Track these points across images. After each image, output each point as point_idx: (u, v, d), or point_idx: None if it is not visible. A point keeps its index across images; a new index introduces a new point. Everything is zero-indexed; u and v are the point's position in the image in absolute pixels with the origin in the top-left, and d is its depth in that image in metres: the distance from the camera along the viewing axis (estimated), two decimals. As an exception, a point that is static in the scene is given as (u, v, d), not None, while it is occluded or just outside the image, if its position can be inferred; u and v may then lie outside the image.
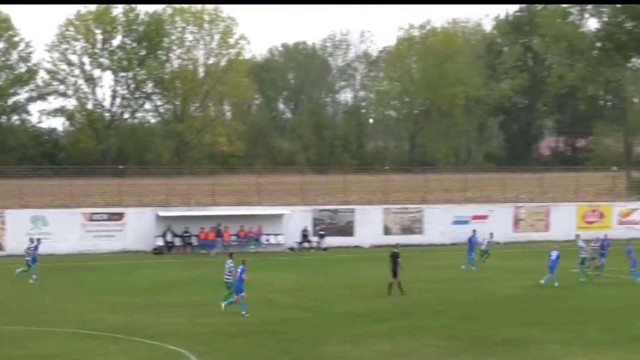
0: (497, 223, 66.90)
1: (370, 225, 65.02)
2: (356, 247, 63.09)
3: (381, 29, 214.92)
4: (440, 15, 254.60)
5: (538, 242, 65.09)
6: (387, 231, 65.40)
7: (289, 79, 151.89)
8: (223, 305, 35.69)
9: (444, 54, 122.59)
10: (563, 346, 29.27)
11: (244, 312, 34.64)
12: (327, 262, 55.37)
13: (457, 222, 66.58)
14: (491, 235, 55.06)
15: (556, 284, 42.98)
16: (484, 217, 67.22)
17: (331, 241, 63.16)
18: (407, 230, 65.98)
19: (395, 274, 40.25)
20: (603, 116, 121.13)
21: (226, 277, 36.79)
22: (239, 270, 35.17)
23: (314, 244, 63.03)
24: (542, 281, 43.41)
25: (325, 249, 62.32)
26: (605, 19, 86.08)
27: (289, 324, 33.61)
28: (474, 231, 53.08)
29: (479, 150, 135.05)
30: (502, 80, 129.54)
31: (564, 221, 68.01)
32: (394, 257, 40.48)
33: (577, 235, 50.28)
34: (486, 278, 46.45)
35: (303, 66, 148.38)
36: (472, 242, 51.18)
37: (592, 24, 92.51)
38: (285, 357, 28.15)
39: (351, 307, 37.27)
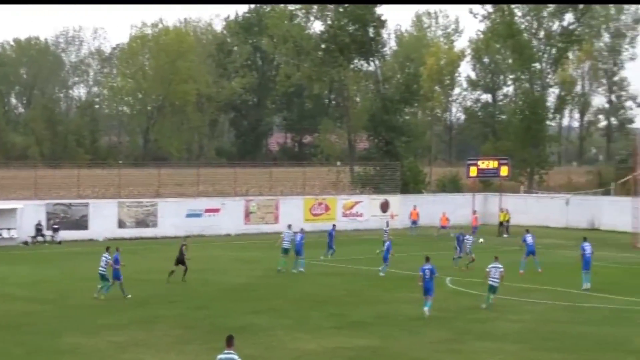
0: (229, 216, 67.76)
1: (104, 219, 64.04)
2: (90, 240, 61.98)
3: (114, 27, 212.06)
4: (172, 14, 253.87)
5: (268, 234, 66.29)
6: (121, 224, 64.66)
7: (22, 74, 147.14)
8: None
9: (176, 52, 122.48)
10: (289, 332, 30.06)
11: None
12: (61, 255, 54.14)
13: (190, 215, 66.81)
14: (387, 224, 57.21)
15: (381, 274, 44.21)
16: (216, 210, 67.82)
17: (66, 235, 61.75)
18: (141, 223, 65.47)
19: (180, 262, 41.67)
20: (328, 114, 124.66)
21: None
22: None
23: (48, 238, 61.42)
24: (381, 274, 44.49)
25: (59, 243, 60.86)
26: (329, 22, 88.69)
27: (26, 317, 32.70)
28: (334, 225, 55.10)
29: (210, 145, 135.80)
30: (232, 78, 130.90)
31: (292, 213, 69.55)
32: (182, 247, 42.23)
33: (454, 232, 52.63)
34: (218, 269, 46.88)
35: (36, 61, 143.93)
36: (331, 236, 52.01)
37: (317, 26, 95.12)
38: (19, 349, 27.39)
39: (86, 299, 36.66)
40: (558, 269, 47.00)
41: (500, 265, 35.26)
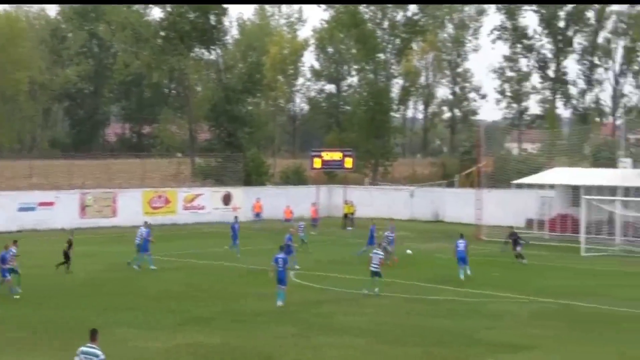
0: (64, 209, 66.21)
1: None
2: None
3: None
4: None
5: (105, 228, 65.24)
6: None
7: None
8: None
9: (7, 38, 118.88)
10: (130, 329, 29.61)
11: None
12: None
13: (23, 209, 64.99)
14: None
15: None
16: (50, 204, 66.20)
17: None
18: (-31, 218, 63.39)
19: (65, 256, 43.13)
20: (168, 104, 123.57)
21: None
22: None
23: None
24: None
25: None
26: (169, 9, 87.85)
27: None
28: (236, 217, 54.32)
29: (44, 136, 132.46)
30: (67, 66, 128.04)
31: (131, 206, 68.66)
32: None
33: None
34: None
35: None
36: (235, 230, 51.04)
37: (156, 13, 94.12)
38: None
39: None
40: (405, 262, 47.90)
41: (380, 252, 37.66)
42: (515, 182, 66.83)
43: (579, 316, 33.09)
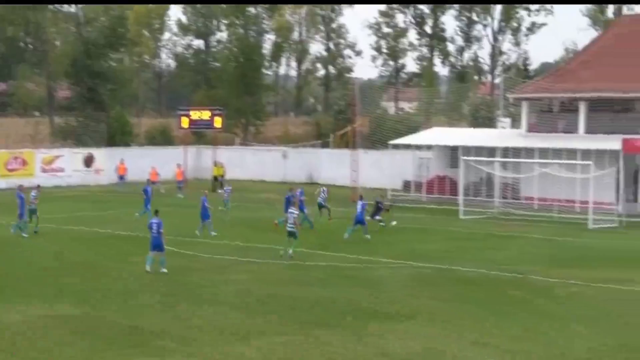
0: None
1: None
2: None
3: None
4: None
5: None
6: None
7: None
8: None
9: None
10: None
11: None
12: None
13: None
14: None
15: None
16: None
17: None
18: None
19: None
20: (25, 59, 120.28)
21: None
22: None
23: None
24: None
25: None
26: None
27: None
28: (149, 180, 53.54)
29: None
30: None
31: (-17, 169, 66.67)
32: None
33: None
34: None
35: None
36: (147, 193, 50.25)
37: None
38: None
39: None
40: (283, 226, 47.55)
41: (295, 211, 38.72)
42: (392, 142, 67.12)
43: (458, 282, 33.27)
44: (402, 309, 28.28)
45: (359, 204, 44.65)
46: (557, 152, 59.14)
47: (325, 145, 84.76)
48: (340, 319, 26.88)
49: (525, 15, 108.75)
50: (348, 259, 37.97)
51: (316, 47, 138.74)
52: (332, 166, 74.65)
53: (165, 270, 33.55)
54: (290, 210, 38.85)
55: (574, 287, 32.11)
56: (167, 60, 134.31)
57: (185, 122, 73.94)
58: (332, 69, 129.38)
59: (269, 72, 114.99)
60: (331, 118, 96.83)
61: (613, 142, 56.80)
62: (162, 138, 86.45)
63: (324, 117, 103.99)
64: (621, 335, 25.40)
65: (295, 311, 27.81)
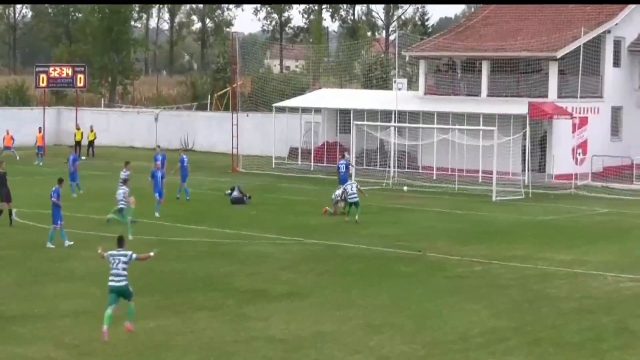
0: None
1: None
2: None
3: None
4: None
5: None
6: None
7: None
8: None
9: None
10: None
11: None
12: None
13: None
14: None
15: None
16: None
17: None
18: None
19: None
20: None
21: None
22: None
23: None
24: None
25: None
26: None
27: None
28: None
29: None
30: None
31: None
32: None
33: None
34: None
35: None
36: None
37: None
38: None
39: None
40: (146, 199, 47.16)
41: (355, 182, 43.54)
42: (276, 105, 67.17)
43: (349, 259, 33.54)
44: (289, 289, 28.44)
45: (342, 162, 48.03)
46: (458, 117, 59.89)
47: (202, 107, 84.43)
48: (216, 298, 26.99)
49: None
50: (227, 234, 38.00)
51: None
52: (210, 131, 74.43)
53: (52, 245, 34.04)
54: (350, 182, 43.43)
55: (477, 266, 32.62)
56: (22, 10, 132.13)
57: (43, 80, 72.84)
58: (209, 23, 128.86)
59: (138, 25, 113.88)
60: (209, 77, 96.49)
61: (519, 106, 57.61)
62: (18, 98, 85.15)
63: (201, 77, 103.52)
64: (521, 316, 25.85)
65: (169, 292, 27.75)
